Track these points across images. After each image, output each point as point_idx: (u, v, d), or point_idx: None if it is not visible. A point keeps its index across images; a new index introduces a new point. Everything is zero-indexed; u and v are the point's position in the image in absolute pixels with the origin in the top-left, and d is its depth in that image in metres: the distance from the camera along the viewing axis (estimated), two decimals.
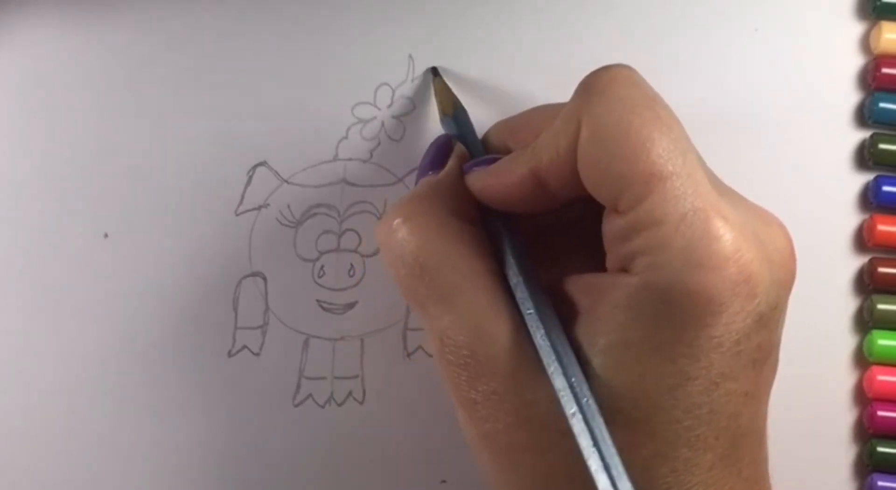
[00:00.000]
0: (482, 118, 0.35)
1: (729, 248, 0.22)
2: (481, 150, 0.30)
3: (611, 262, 0.24)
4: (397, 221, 0.26)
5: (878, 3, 0.35)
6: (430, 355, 0.33)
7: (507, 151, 0.28)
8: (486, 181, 0.27)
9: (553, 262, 0.27)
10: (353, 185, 0.34)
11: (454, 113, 0.32)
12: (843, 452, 0.33)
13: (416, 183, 0.30)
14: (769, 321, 0.23)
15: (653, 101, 0.24)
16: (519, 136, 0.29)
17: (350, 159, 0.35)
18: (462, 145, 0.30)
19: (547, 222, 0.28)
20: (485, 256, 0.26)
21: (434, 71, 0.34)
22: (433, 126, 0.35)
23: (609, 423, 0.22)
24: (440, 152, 0.30)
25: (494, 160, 0.27)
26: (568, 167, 0.24)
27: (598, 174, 0.23)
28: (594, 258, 0.26)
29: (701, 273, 0.22)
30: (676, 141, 0.23)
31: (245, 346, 0.34)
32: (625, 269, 0.23)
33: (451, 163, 0.29)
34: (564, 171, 0.24)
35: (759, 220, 0.25)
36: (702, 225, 0.22)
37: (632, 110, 0.23)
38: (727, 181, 0.35)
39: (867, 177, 0.34)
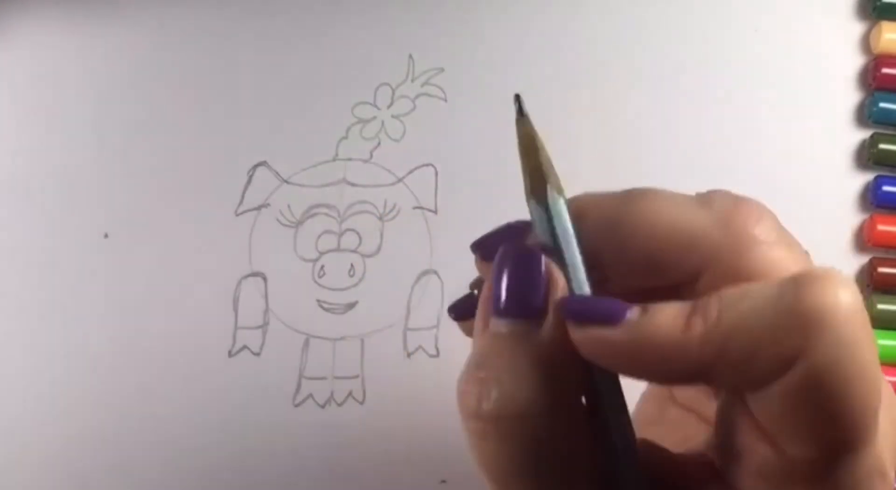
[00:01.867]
0: (482, 118, 0.35)
1: None
2: (583, 277, 0.20)
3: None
4: (501, 415, 0.18)
5: (878, 3, 0.35)
6: (431, 355, 0.33)
7: (602, 269, 0.20)
8: (619, 348, 0.18)
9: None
10: (353, 185, 0.34)
11: (560, 198, 0.21)
12: None
13: (496, 316, 0.19)
14: None
15: (874, 353, 0.18)
16: (622, 246, 0.20)
17: (350, 159, 0.35)
18: (561, 276, 0.19)
19: None
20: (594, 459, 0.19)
21: (518, 99, 0.23)
22: (434, 126, 0.35)
23: None
24: (537, 283, 0.19)
25: (619, 309, 0.19)
26: (754, 383, 0.18)
27: (793, 417, 0.18)
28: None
29: None
30: (877, 401, 0.18)
31: (245, 346, 0.34)
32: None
33: (555, 316, 0.19)
34: (744, 388, 0.19)
35: None
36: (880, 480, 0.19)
37: (862, 366, 0.18)
38: (727, 181, 0.35)
39: (867, 177, 0.34)
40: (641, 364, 0.18)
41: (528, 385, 0.18)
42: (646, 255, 0.20)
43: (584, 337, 0.19)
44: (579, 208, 0.21)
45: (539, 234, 0.20)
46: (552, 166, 0.22)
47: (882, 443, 0.19)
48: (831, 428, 0.18)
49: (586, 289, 0.19)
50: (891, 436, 0.19)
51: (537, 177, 0.21)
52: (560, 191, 0.21)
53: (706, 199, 0.22)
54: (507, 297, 0.19)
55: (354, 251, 0.34)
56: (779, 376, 0.18)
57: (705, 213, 0.21)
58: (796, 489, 0.19)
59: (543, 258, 0.20)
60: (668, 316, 0.18)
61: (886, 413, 0.19)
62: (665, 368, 0.18)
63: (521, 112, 0.22)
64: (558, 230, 0.20)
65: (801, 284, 0.19)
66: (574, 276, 0.19)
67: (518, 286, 0.19)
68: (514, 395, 0.18)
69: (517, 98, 0.22)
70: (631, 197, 0.22)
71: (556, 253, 0.20)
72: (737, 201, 0.21)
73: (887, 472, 0.19)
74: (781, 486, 0.19)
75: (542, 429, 0.18)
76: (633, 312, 0.18)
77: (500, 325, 0.19)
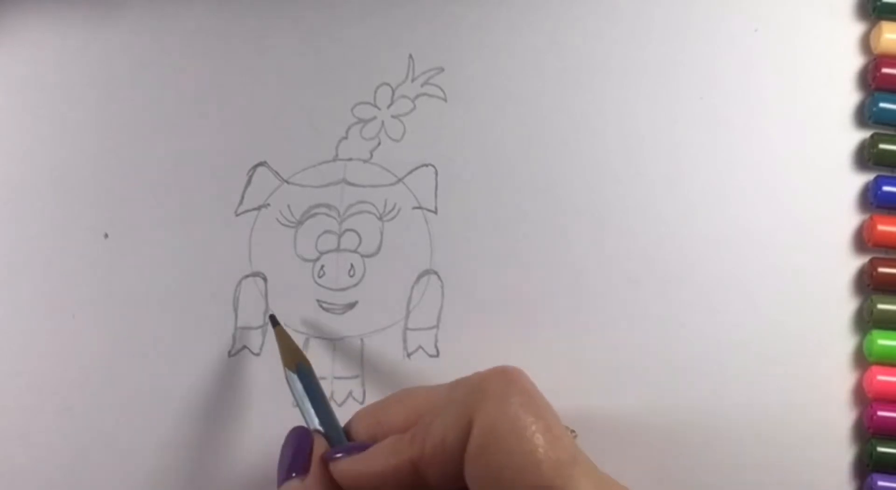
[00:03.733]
0: (482, 118, 0.35)
1: None
2: (340, 431, 0.28)
3: None
4: None
5: (878, 3, 0.35)
6: (431, 355, 0.33)
7: (374, 439, 0.27)
8: (356, 470, 0.26)
9: None
10: (353, 185, 0.34)
11: (298, 369, 0.29)
12: (843, 452, 0.33)
13: (279, 487, 0.27)
14: None
15: (546, 411, 0.24)
16: (388, 423, 0.27)
17: (350, 159, 0.35)
18: (323, 438, 0.28)
19: None
20: None
21: (273, 320, 0.32)
22: (434, 126, 0.35)
23: None
24: (301, 450, 0.27)
25: (363, 447, 0.26)
26: (452, 462, 0.24)
27: (486, 478, 0.23)
28: None
29: None
30: (566, 450, 0.23)
31: (245, 346, 0.34)
32: None
33: (318, 466, 0.27)
34: (448, 465, 0.24)
35: None
36: None
37: (525, 420, 0.23)
38: (727, 181, 0.35)
39: (867, 177, 0.34)
40: (377, 481, 0.25)
41: None
42: (403, 426, 0.26)
43: (335, 471, 0.26)
44: (353, 417, 0.29)
45: (312, 428, 0.28)
46: (292, 351, 0.30)
47: None
48: (508, 481, 0.23)
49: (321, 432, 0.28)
50: None
51: (288, 359, 0.30)
52: (293, 368, 0.29)
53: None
54: (279, 468, 0.27)
55: (354, 251, 0.34)
56: (465, 437, 0.23)
57: (443, 387, 0.27)
58: None
59: (305, 432, 0.28)
60: (388, 439, 0.26)
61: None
62: (391, 479, 0.25)
63: (275, 322, 0.32)
64: (295, 395, 0.29)
65: (477, 377, 0.25)
66: (330, 432, 0.28)
67: (285, 458, 0.27)
68: None
69: (272, 318, 0.32)
70: (390, 396, 0.29)
71: (301, 413, 0.29)
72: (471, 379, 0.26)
73: None
74: None
75: None
76: (366, 451, 0.26)
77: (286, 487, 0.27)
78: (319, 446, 0.27)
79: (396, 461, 0.25)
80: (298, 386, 0.29)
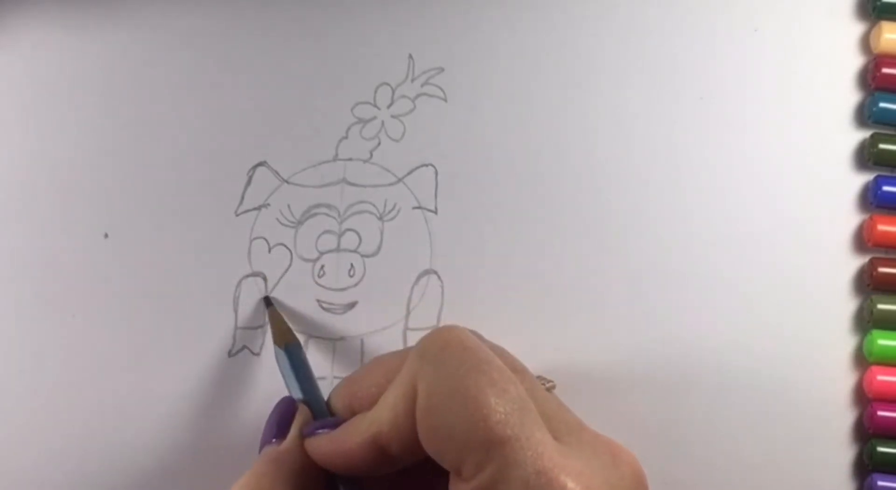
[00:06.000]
0: (482, 118, 0.35)
1: None
2: (322, 405, 0.29)
3: None
4: None
5: (878, 3, 0.35)
6: None
7: (352, 412, 0.27)
8: (326, 448, 0.26)
9: None
10: (353, 184, 0.34)
11: (286, 346, 0.30)
12: (843, 452, 0.33)
13: (259, 451, 0.28)
14: None
15: (486, 363, 0.23)
16: (361, 394, 0.28)
17: (350, 159, 0.35)
18: (307, 408, 0.28)
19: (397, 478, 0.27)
20: None
21: (267, 301, 0.33)
22: (434, 126, 0.35)
23: None
24: (283, 417, 0.28)
25: (337, 424, 0.27)
26: (409, 433, 0.24)
27: (437, 442, 0.23)
28: None
29: None
30: (513, 402, 0.23)
31: (245, 346, 0.34)
32: None
33: (293, 432, 0.27)
34: (406, 437, 0.24)
35: (607, 460, 0.24)
36: (547, 488, 0.22)
37: (465, 376, 0.23)
38: (728, 180, 0.35)
39: (867, 177, 0.34)
40: (345, 458, 0.25)
41: (272, 479, 0.26)
42: (380, 394, 0.26)
43: (310, 448, 0.27)
44: (333, 388, 0.29)
45: (297, 398, 0.29)
46: (283, 331, 0.31)
47: (549, 448, 0.22)
48: (457, 439, 0.22)
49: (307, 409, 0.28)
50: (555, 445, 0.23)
51: (278, 336, 0.31)
52: (282, 345, 0.30)
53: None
54: (263, 434, 0.28)
55: (354, 251, 0.34)
56: (413, 405, 0.23)
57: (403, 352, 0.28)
58: None
59: (291, 401, 0.29)
60: (355, 417, 0.26)
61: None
62: (358, 457, 0.25)
63: (269, 303, 0.33)
64: (282, 370, 0.30)
65: (418, 340, 0.25)
66: (315, 407, 0.28)
67: (269, 425, 0.28)
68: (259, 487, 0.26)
69: (266, 299, 0.33)
70: (367, 363, 0.29)
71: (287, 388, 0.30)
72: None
73: (553, 472, 0.22)
74: None
75: None
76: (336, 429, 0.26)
77: (263, 452, 0.28)
78: (301, 414, 0.28)
79: (360, 439, 0.25)
80: (285, 361, 0.30)
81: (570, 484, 0.22)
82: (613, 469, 0.23)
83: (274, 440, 0.27)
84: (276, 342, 0.31)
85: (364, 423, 0.25)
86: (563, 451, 0.23)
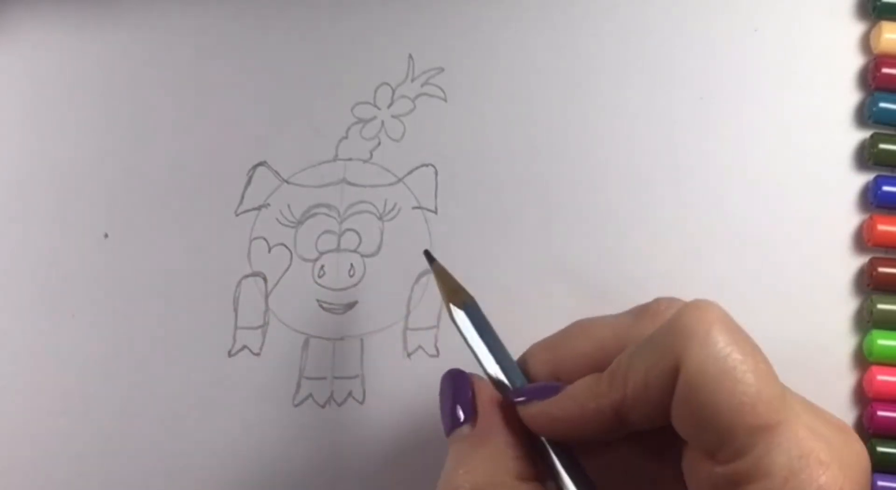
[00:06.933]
0: (482, 118, 0.35)
1: None
2: (517, 369, 0.27)
3: None
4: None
5: (878, 3, 0.34)
6: (431, 355, 0.33)
7: (552, 378, 0.26)
8: (552, 414, 0.25)
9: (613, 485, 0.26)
10: (353, 184, 0.34)
11: (465, 306, 0.28)
12: None
13: (447, 435, 0.26)
14: None
15: (750, 346, 0.23)
16: (568, 363, 0.27)
17: (350, 159, 0.35)
18: (481, 379, 0.27)
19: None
20: None
21: (429, 255, 0.30)
22: (434, 126, 0.35)
23: None
24: (465, 398, 0.26)
25: (554, 389, 0.25)
26: (656, 403, 0.23)
27: (698, 421, 0.23)
28: (658, 474, 0.26)
29: None
30: (777, 385, 0.23)
31: (245, 346, 0.34)
32: None
33: (488, 409, 0.26)
34: (651, 407, 0.24)
35: (842, 440, 0.24)
36: (808, 472, 0.22)
37: (734, 358, 0.23)
38: (727, 180, 0.35)
39: (867, 177, 0.34)
40: (574, 425, 0.24)
41: (491, 471, 0.25)
42: (587, 362, 0.26)
43: (525, 415, 0.25)
44: (527, 352, 0.28)
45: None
46: (456, 288, 0.28)
47: (805, 431, 0.22)
48: (723, 422, 0.22)
49: (502, 376, 0.26)
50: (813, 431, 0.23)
51: (446, 300, 0.28)
52: (462, 305, 0.28)
53: (639, 309, 0.27)
54: (443, 416, 0.26)
55: (354, 251, 0.34)
56: (671, 391, 0.23)
57: (625, 317, 0.27)
58: (731, 485, 0.22)
59: (465, 376, 0.27)
60: (584, 381, 0.25)
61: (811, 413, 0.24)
62: (590, 423, 0.24)
63: (431, 260, 0.29)
64: (466, 335, 0.27)
65: (674, 315, 0.24)
66: (492, 368, 0.26)
67: (447, 406, 0.26)
68: (481, 483, 0.24)
69: (426, 253, 0.30)
70: (568, 328, 0.28)
71: (474, 354, 0.27)
72: (667, 303, 0.26)
73: (812, 455, 0.22)
74: (719, 488, 0.23)
75: None
76: (560, 394, 0.25)
77: (452, 438, 0.26)
78: (483, 390, 0.26)
79: (596, 405, 0.24)
80: (468, 323, 0.27)
81: (827, 470, 0.22)
82: (848, 446, 0.24)
83: (465, 425, 0.26)
84: (452, 302, 0.28)
85: (601, 387, 0.24)
86: (813, 431, 0.23)
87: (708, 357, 0.22)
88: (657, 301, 0.26)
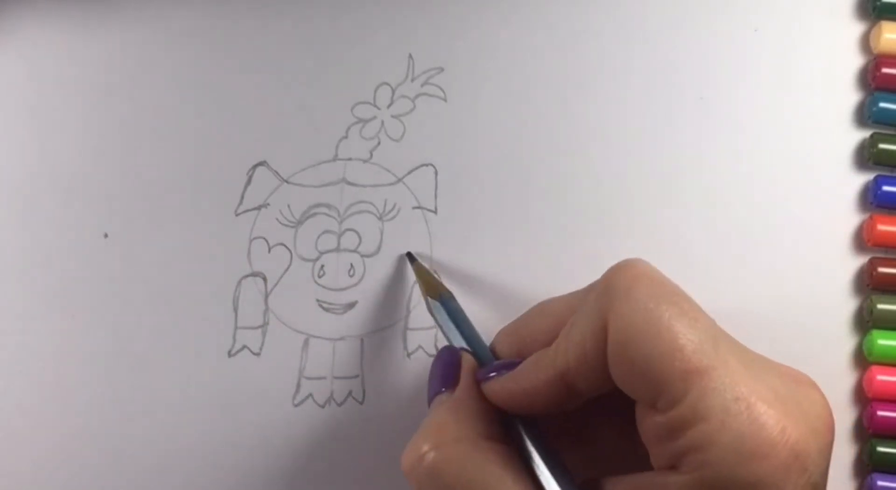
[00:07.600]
0: (482, 118, 0.35)
1: (776, 432, 0.22)
2: (487, 351, 0.29)
3: (656, 460, 0.24)
4: (426, 451, 0.25)
5: (878, 3, 0.35)
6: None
7: (519, 356, 0.27)
8: (509, 388, 0.26)
9: (589, 460, 0.27)
10: (353, 184, 0.34)
11: (440, 298, 0.30)
12: (842, 452, 0.33)
13: (429, 403, 0.28)
14: (819, 485, 0.23)
15: (676, 295, 0.24)
16: (531, 340, 0.28)
17: (350, 159, 0.35)
18: (470, 356, 0.29)
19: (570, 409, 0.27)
20: (519, 475, 0.25)
21: (410, 256, 0.33)
22: (434, 126, 0.35)
23: None
24: (449, 367, 0.28)
25: (512, 365, 0.27)
26: (597, 367, 0.24)
27: (632, 375, 0.23)
28: (625, 438, 0.26)
29: (753, 464, 0.22)
30: (706, 331, 0.23)
31: (245, 346, 0.34)
32: (673, 467, 0.23)
33: (466, 378, 0.28)
34: (594, 372, 0.24)
35: (794, 386, 0.24)
36: (746, 414, 0.22)
37: (658, 309, 0.23)
38: (727, 180, 0.35)
39: (867, 177, 0.34)
40: (530, 397, 0.26)
41: (456, 426, 0.26)
42: (547, 339, 0.27)
43: (487, 391, 0.27)
44: (495, 337, 0.30)
45: (461, 348, 0.29)
46: (434, 283, 0.32)
47: (742, 375, 0.23)
48: (654, 372, 0.22)
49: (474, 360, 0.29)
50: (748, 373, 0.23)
51: (430, 288, 0.31)
52: (438, 297, 0.30)
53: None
54: (430, 384, 0.28)
55: (354, 251, 0.34)
56: (603, 340, 0.24)
57: (581, 292, 0.28)
58: (667, 439, 0.23)
59: (454, 350, 0.29)
60: (535, 355, 0.26)
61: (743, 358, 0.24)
62: (543, 395, 0.25)
63: (412, 258, 0.33)
64: (439, 321, 0.30)
65: (601, 278, 0.25)
66: (479, 352, 0.29)
67: (435, 374, 0.28)
68: (446, 434, 0.25)
69: (408, 255, 0.34)
70: (530, 310, 0.30)
71: (448, 341, 0.30)
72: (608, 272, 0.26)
73: (751, 397, 0.22)
74: (662, 438, 0.23)
75: (474, 453, 0.25)
76: (515, 369, 0.26)
77: (437, 401, 0.28)
78: (467, 361, 0.28)
79: (545, 376, 0.25)
80: (442, 312, 0.30)
81: (768, 409, 0.22)
82: (802, 393, 0.24)
83: (444, 390, 0.27)
84: (429, 295, 0.31)
85: (548, 359, 0.25)
86: (754, 377, 0.23)
87: (631, 311, 0.23)
88: (603, 274, 0.27)
